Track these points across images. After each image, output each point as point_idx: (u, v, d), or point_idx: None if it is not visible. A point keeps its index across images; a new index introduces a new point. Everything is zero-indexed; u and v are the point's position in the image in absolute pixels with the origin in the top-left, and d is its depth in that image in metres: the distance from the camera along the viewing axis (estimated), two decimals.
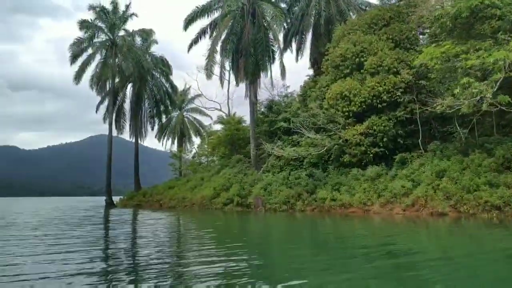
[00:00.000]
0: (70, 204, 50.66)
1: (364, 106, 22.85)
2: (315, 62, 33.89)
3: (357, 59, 24.04)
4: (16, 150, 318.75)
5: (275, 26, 31.24)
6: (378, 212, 19.96)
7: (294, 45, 36.36)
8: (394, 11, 25.19)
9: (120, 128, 46.64)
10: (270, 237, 13.07)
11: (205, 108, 51.60)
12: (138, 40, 45.54)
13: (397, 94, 22.27)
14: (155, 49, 53.90)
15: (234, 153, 35.01)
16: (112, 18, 42.78)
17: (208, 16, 33.08)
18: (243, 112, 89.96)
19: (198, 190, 32.25)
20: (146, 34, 45.57)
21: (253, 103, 33.14)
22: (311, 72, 35.43)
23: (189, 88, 54.44)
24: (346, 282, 5.90)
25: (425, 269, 6.75)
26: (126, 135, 48.06)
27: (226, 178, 30.19)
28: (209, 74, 31.98)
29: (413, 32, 24.21)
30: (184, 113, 55.47)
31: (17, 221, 19.74)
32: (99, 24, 42.65)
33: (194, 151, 49.12)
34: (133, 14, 44.03)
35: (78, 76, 41.31)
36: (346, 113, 23.55)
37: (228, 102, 44.73)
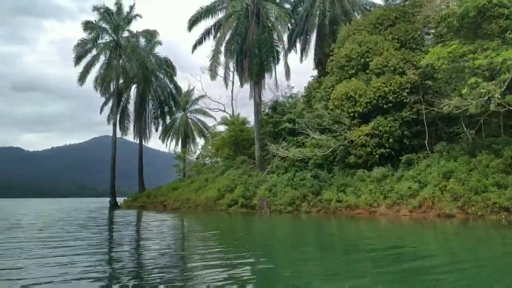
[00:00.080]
0: (74, 206, 50.79)
1: (369, 107, 22.71)
2: (320, 63, 33.72)
3: (363, 60, 23.89)
4: (20, 151, 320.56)
5: (279, 26, 31.16)
6: (385, 213, 19.77)
7: (298, 46, 36.34)
8: (399, 11, 25.02)
9: (124, 129, 46.83)
10: (276, 240, 12.93)
11: (209, 109, 51.56)
12: (142, 41, 45.63)
13: (403, 95, 22.10)
14: (159, 50, 54.20)
15: (239, 154, 34.93)
16: (116, 19, 42.88)
17: (212, 16, 33.02)
18: (247, 113, 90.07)
19: (202, 192, 32.16)
20: (150, 35, 45.61)
21: (258, 104, 33.02)
22: (315, 73, 35.32)
23: (193, 89, 54.61)
24: None
25: (435, 274, 6.58)
26: (130, 136, 48.30)
27: (231, 179, 30.10)
28: (213, 75, 31.84)
29: (418, 32, 24.01)
30: (188, 114, 55.34)
31: (22, 223, 19.76)
32: (103, 25, 42.79)
33: (198, 152, 49.25)
34: (137, 15, 44.13)
35: (82, 77, 41.41)
36: (352, 114, 23.43)
37: (232, 103, 44.87)
